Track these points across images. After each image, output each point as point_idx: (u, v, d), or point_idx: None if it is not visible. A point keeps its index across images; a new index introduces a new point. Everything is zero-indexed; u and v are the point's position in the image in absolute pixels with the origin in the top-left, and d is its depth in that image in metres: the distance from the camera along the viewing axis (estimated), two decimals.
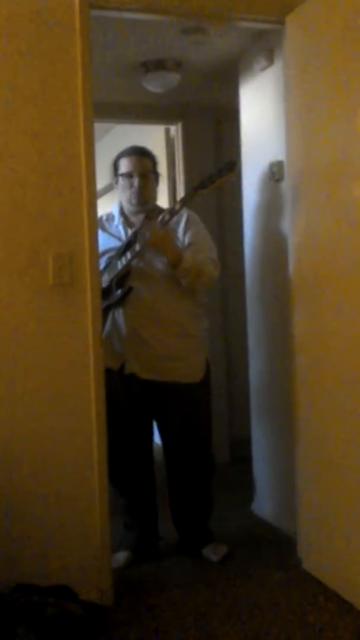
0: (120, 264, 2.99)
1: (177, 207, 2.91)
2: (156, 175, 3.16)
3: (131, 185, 3.06)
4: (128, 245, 2.99)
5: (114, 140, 4.74)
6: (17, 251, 2.53)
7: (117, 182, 3.14)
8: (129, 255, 2.95)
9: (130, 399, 3.03)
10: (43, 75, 2.52)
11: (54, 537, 2.59)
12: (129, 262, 2.96)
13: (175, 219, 2.94)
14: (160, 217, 2.92)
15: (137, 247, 2.92)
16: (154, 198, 3.18)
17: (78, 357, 2.59)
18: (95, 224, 2.65)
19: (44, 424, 2.57)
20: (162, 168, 3.36)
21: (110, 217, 3.21)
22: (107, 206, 3.32)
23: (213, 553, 3.07)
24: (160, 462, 3.19)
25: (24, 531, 2.55)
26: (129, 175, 3.07)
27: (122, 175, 3.08)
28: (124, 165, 3.09)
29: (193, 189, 2.85)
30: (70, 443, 2.60)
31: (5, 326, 2.53)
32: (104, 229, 3.15)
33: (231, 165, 2.82)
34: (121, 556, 3.05)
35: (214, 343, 3.22)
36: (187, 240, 3.02)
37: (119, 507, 3.11)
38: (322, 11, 2.62)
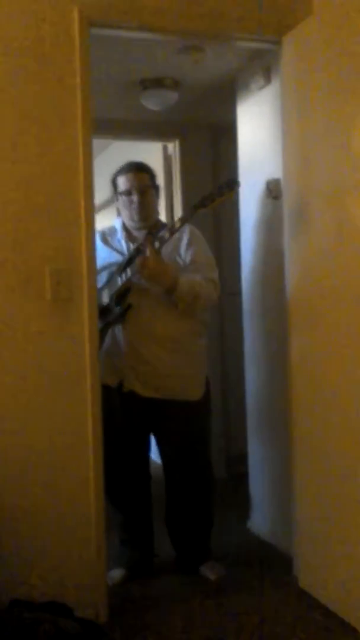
0: (120, 280, 2.99)
1: (177, 225, 2.90)
2: (156, 189, 3.15)
3: (131, 203, 3.04)
4: (129, 261, 2.98)
5: (112, 156, 4.77)
6: (14, 266, 2.53)
7: (117, 200, 3.14)
8: (129, 271, 2.95)
9: (128, 416, 3.01)
10: (43, 92, 2.54)
11: (50, 553, 2.57)
12: (129, 279, 2.95)
13: (177, 235, 2.93)
14: (154, 242, 2.88)
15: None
16: (156, 212, 3.18)
17: (75, 372, 2.59)
18: (93, 240, 2.65)
19: (39, 440, 2.56)
20: (160, 185, 3.37)
21: (112, 230, 3.20)
22: (105, 221, 3.32)
23: (211, 572, 3.05)
24: (155, 479, 3.17)
25: (19, 547, 2.54)
26: (127, 193, 3.05)
27: (121, 193, 3.08)
28: (122, 183, 3.07)
29: (193, 207, 2.84)
30: (66, 458, 2.59)
31: (1, 341, 2.53)
32: (107, 243, 3.14)
33: (231, 184, 2.82)
34: (117, 573, 3.03)
35: (211, 360, 3.22)
36: (188, 258, 2.99)
37: (115, 523, 3.10)
38: (318, 31, 2.66)
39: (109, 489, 2.73)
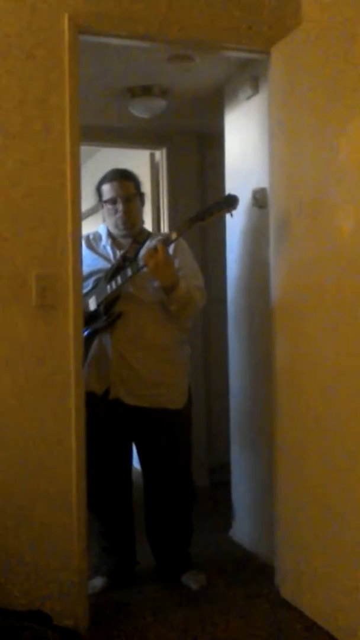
0: (110, 288, 2.98)
1: (173, 237, 2.89)
2: (141, 196, 3.15)
3: (116, 211, 3.05)
4: (118, 269, 2.98)
5: (99, 163, 4.77)
6: (0, 271, 2.52)
7: (102, 207, 3.14)
8: (119, 279, 2.94)
9: (111, 424, 3.00)
10: (31, 98, 2.54)
11: (31, 561, 2.55)
12: (119, 287, 2.95)
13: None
14: (161, 238, 2.91)
15: (129, 272, 2.91)
16: (141, 220, 3.18)
17: (59, 379, 2.58)
18: (80, 246, 2.65)
19: (21, 448, 2.55)
20: (147, 193, 3.37)
21: (97, 236, 3.19)
22: (92, 228, 3.32)
23: (193, 581, 3.04)
24: (136, 485, 3.16)
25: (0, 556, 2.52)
26: (112, 202, 3.05)
27: (106, 201, 3.08)
28: (107, 191, 3.07)
29: (190, 220, 2.83)
30: (49, 467, 2.58)
31: None
32: (91, 248, 3.14)
33: (230, 201, 2.82)
34: (98, 582, 3.01)
35: (195, 368, 3.22)
36: (174, 266, 3.00)
37: (96, 531, 3.08)
38: (307, 43, 2.67)
39: (90, 496, 2.71)
